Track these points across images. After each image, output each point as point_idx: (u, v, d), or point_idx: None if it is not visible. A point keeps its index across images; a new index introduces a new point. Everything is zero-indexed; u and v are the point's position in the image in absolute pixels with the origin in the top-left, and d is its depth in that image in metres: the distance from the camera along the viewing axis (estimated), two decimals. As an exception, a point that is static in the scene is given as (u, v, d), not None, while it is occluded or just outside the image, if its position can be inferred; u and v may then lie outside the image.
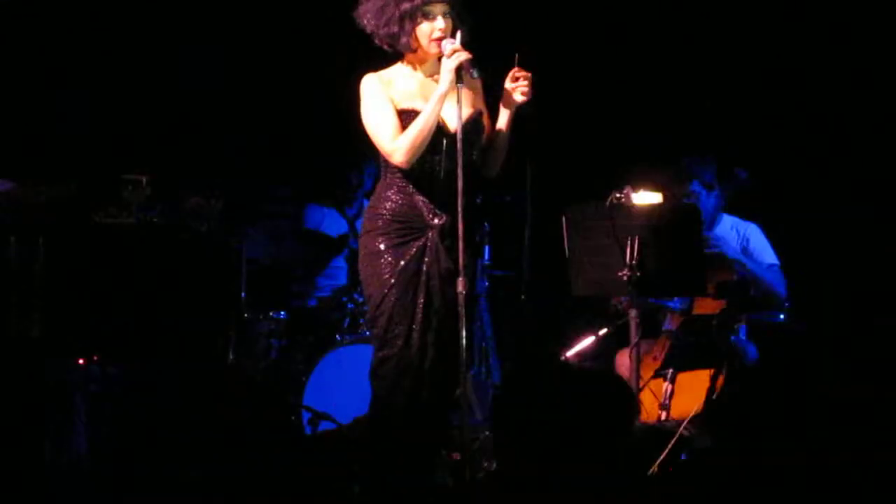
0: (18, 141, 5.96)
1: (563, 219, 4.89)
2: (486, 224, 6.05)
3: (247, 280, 5.77)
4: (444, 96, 4.36)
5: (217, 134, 6.69)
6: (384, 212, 4.46)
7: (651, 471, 4.80)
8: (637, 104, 6.59)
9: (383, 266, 4.42)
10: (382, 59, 4.51)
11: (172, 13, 6.59)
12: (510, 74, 4.46)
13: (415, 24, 4.40)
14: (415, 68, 4.51)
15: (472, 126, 4.46)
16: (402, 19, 4.39)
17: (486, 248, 6.11)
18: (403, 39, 4.42)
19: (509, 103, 4.50)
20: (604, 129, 6.57)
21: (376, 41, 4.48)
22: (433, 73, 4.50)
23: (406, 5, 4.38)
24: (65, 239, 4.70)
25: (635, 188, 4.98)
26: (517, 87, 4.46)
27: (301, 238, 6.56)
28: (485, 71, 4.39)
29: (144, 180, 4.90)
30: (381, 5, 4.41)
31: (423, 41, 4.43)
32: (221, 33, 6.66)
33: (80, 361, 4.86)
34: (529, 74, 4.45)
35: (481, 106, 4.55)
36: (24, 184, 4.92)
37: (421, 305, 4.41)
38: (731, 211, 5.88)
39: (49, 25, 6.43)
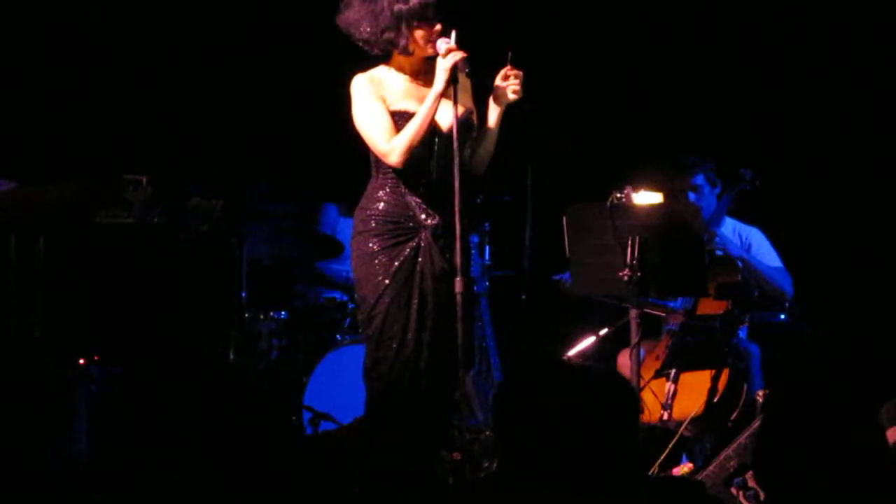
0: (18, 141, 5.96)
1: (564, 219, 4.89)
2: (486, 224, 6.05)
3: (247, 280, 5.76)
4: (441, 96, 4.35)
5: (218, 133, 6.68)
6: (376, 213, 4.45)
7: (651, 471, 4.81)
8: (638, 104, 6.58)
9: (377, 267, 4.41)
10: (368, 60, 4.51)
11: (173, 13, 6.59)
12: (501, 72, 4.46)
13: (411, 27, 4.39)
14: (403, 69, 4.50)
15: (465, 125, 4.45)
16: (398, 23, 4.38)
17: (486, 248, 6.10)
18: (402, 42, 4.41)
19: (500, 101, 4.49)
20: (604, 129, 6.56)
21: (368, 47, 4.46)
22: (422, 73, 4.49)
23: (402, 8, 4.36)
24: (65, 239, 4.69)
25: (635, 188, 4.97)
26: (508, 85, 4.45)
27: (312, 241, 6.52)
28: (479, 70, 4.39)
29: (144, 180, 4.89)
30: (375, 11, 4.38)
31: (421, 42, 4.42)
32: (222, 32, 6.65)
33: (81, 361, 4.85)
34: (521, 73, 4.44)
35: (471, 104, 4.54)
36: (25, 184, 4.91)
37: (415, 306, 4.40)
38: (735, 215, 5.86)
39: (49, 25, 6.43)
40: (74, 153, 6.17)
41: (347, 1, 4.45)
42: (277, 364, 6.08)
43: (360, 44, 4.46)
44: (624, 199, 4.88)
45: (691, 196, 5.78)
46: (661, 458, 4.91)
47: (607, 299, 5.47)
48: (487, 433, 5.21)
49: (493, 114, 4.52)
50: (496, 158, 4.61)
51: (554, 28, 6.54)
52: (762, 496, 3.95)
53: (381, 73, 4.50)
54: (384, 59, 4.51)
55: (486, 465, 5.09)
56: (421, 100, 4.43)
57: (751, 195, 5.71)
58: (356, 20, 4.42)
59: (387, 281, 4.40)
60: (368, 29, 4.41)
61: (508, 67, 4.45)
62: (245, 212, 5.95)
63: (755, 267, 5.63)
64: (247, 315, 5.89)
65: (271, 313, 6.13)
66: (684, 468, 4.85)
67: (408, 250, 4.43)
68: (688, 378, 5.38)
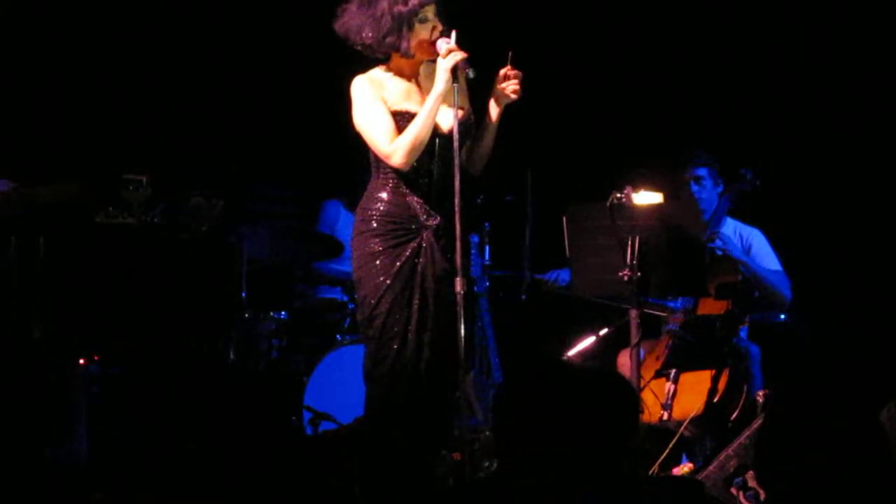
0: (19, 141, 5.96)
1: (564, 219, 4.89)
2: (486, 224, 6.05)
3: (247, 280, 5.76)
4: (442, 96, 4.35)
5: (220, 133, 6.68)
6: (378, 213, 4.44)
7: (651, 471, 4.81)
8: (638, 104, 6.58)
9: (378, 268, 4.40)
10: (368, 60, 4.51)
11: (173, 12, 6.59)
12: (501, 73, 4.45)
13: (412, 28, 4.39)
14: (402, 70, 4.50)
15: (464, 126, 4.45)
16: (399, 26, 4.37)
17: (486, 248, 6.10)
18: (404, 45, 4.41)
19: (499, 101, 4.49)
20: (604, 130, 6.56)
21: (369, 52, 4.45)
22: (422, 74, 4.49)
23: (401, 10, 4.35)
24: (65, 239, 4.70)
25: (635, 188, 4.97)
26: (508, 85, 4.45)
27: (312, 241, 6.52)
28: (479, 70, 4.39)
29: (144, 180, 4.89)
30: (375, 15, 4.37)
31: (421, 44, 4.41)
32: (222, 32, 6.65)
33: (81, 361, 4.86)
34: (520, 73, 4.44)
35: (468, 105, 4.54)
36: (25, 184, 4.92)
37: (416, 306, 4.39)
38: (735, 215, 5.86)
39: (50, 25, 6.43)
40: (74, 153, 6.17)
41: (344, 6, 4.44)
42: (277, 364, 6.07)
43: (361, 49, 4.44)
44: (624, 199, 4.87)
45: (694, 187, 5.78)
46: (661, 458, 4.91)
47: (607, 299, 5.47)
48: (487, 433, 5.21)
49: (492, 114, 4.51)
50: (496, 158, 4.61)
51: (554, 28, 6.54)
52: (762, 496, 3.96)
53: (381, 73, 4.49)
54: (383, 59, 4.51)
55: (486, 465, 5.09)
56: (421, 100, 4.42)
57: (751, 195, 5.70)
58: (357, 26, 4.40)
59: (388, 281, 4.40)
60: (371, 34, 4.39)
61: (508, 67, 4.45)
62: (245, 212, 5.95)
63: (754, 271, 5.62)
64: (247, 315, 5.90)
65: (271, 313, 6.12)
66: (684, 468, 4.84)
67: (409, 250, 4.42)
68: (688, 378, 5.38)
